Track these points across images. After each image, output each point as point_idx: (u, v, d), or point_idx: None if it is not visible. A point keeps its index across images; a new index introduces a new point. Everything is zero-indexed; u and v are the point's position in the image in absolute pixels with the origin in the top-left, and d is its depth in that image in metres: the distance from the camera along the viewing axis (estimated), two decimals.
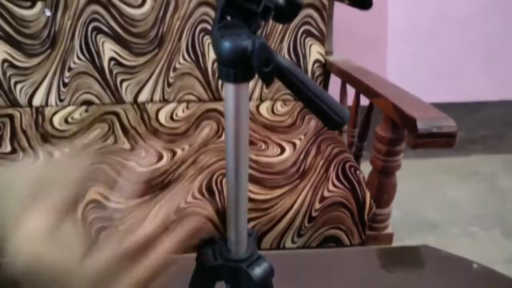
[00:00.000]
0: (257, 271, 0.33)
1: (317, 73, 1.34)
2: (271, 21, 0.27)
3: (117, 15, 1.25)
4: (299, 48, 1.32)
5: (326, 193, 0.91)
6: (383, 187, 0.97)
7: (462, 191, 1.77)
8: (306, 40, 1.32)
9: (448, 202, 1.70)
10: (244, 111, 0.29)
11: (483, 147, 2.00)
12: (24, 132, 1.15)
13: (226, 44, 0.26)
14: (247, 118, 0.29)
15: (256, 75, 0.27)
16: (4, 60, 1.24)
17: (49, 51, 1.25)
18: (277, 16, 0.27)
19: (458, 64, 1.79)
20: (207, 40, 1.29)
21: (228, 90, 0.28)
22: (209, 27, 1.29)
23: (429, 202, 1.69)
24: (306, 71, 1.34)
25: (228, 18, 0.28)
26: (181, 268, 0.34)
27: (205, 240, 0.35)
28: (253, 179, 0.92)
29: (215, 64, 1.30)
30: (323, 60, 1.34)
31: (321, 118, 0.28)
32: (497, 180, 1.84)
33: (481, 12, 1.71)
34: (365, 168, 1.01)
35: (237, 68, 0.27)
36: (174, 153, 1.03)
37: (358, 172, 0.97)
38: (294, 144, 1.07)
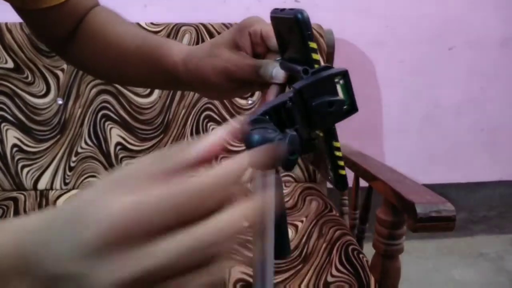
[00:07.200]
0: None
1: None
2: None
3: (125, 104, 1.31)
4: None
5: (329, 278, 0.90)
6: (387, 271, 0.96)
7: (468, 272, 1.72)
8: None
9: (454, 285, 1.65)
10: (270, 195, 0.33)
11: (486, 227, 1.99)
12: None
13: (256, 137, 0.31)
14: (273, 202, 0.33)
15: None
16: (14, 145, 1.28)
17: (58, 136, 1.30)
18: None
19: (454, 148, 1.84)
20: (211, 126, 1.35)
21: (257, 177, 0.32)
22: (212, 114, 1.35)
23: (435, 285, 1.65)
24: None
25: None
26: None
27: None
28: None
29: None
30: None
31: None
32: (504, 260, 1.80)
33: (474, 98, 1.79)
34: (368, 250, 1.01)
35: None
36: None
37: (361, 255, 0.96)
38: (296, 227, 1.07)
